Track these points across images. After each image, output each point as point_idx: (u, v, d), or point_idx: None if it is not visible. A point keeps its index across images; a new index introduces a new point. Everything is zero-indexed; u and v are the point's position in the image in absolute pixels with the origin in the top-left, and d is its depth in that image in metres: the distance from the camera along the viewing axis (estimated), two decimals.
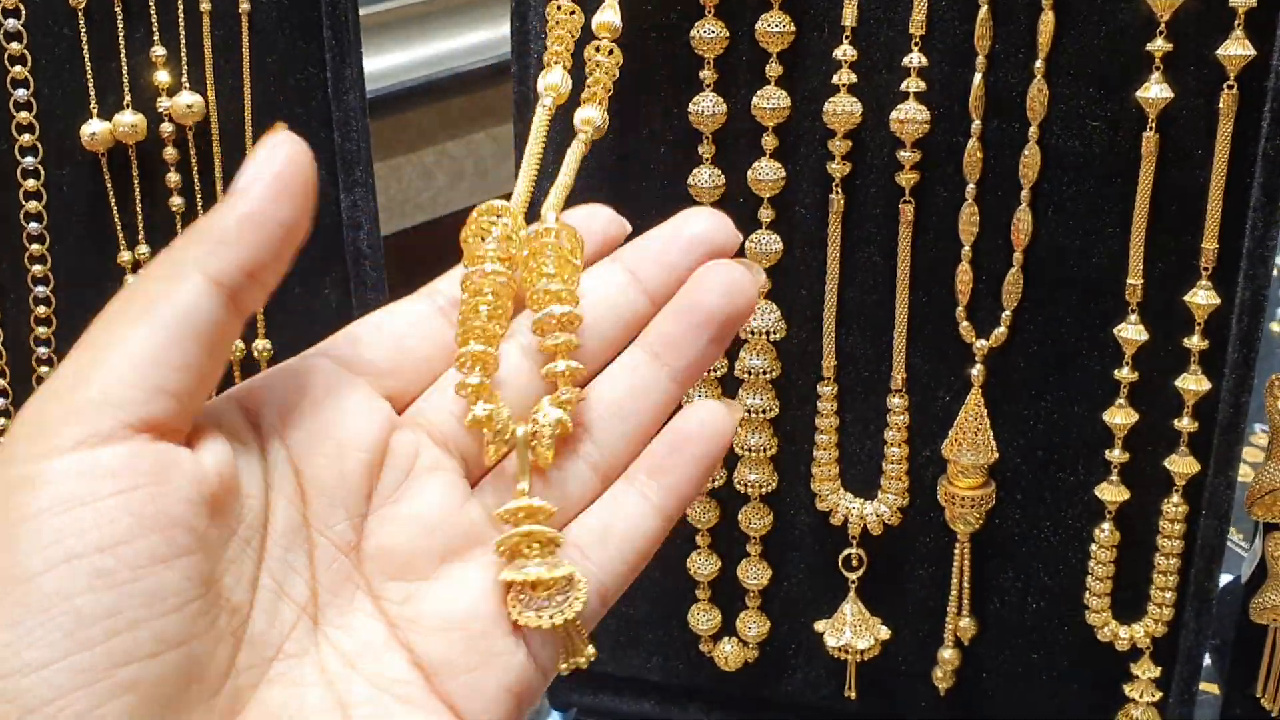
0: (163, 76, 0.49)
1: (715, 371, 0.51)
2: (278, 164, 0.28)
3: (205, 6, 0.49)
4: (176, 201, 0.51)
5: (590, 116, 0.38)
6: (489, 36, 1.20)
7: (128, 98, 0.49)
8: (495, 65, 1.16)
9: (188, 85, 0.49)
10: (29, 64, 0.48)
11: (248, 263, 0.27)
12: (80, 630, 0.25)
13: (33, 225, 0.51)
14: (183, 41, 0.49)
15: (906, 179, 0.48)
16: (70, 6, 0.48)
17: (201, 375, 0.27)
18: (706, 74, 0.48)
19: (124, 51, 0.49)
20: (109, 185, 0.50)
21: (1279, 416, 0.49)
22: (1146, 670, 0.52)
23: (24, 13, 0.48)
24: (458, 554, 0.31)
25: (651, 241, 0.33)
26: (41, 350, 0.52)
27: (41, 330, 0.52)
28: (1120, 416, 0.48)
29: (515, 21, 0.49)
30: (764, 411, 0.51)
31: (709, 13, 0.47)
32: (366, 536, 0.31)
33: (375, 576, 0.31)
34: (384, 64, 1.18)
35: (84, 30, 0.48)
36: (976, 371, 0.49)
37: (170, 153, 0.50)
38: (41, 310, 0.52)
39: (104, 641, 0.25)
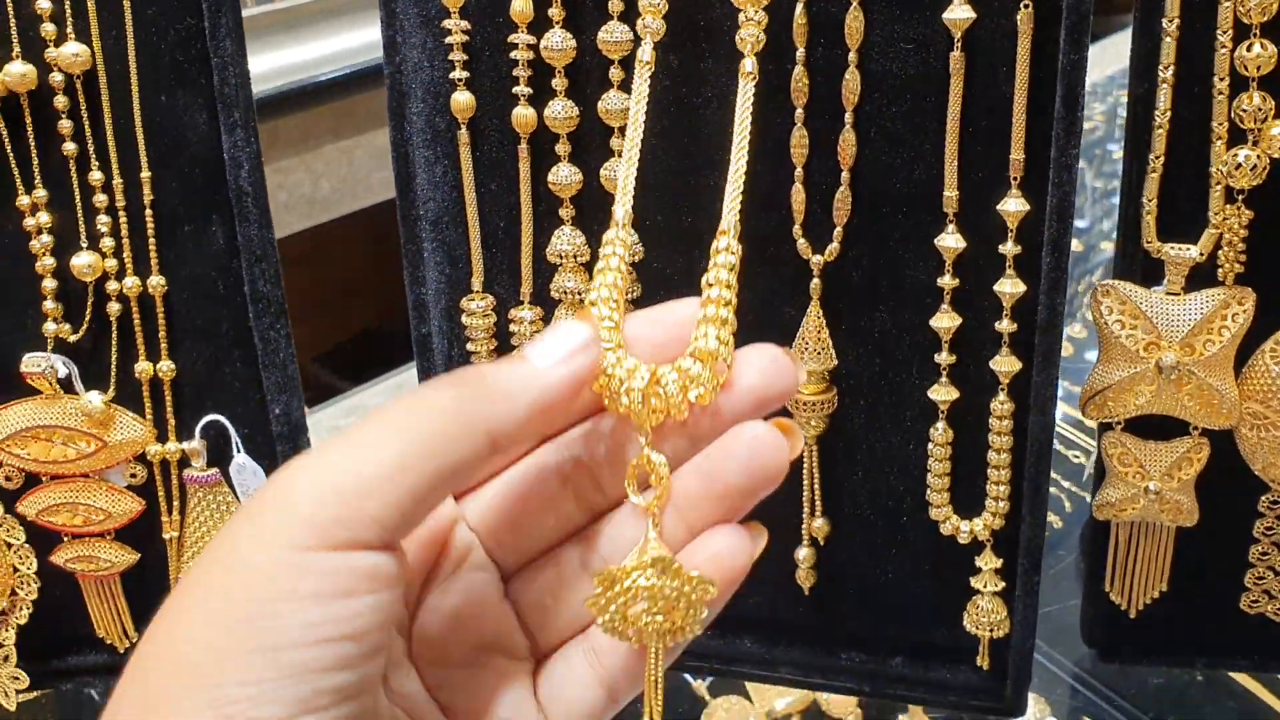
0: (49, 28, 0.53)
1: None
2: (577, 366, 0.32)
3: None
4: (69, 147, 0.54)
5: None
6: None
7: (17, 49, 0.53)
8: None
9: (73, 35, 0.53)
10: None
11: (525, 439, 0.32)
12: (315, 700, 0.28)
13: None
14: None
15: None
16: None
17: (432, 511, 0.31)
18: (555, 11, 0.52)
19: (10, 5, 0.52)
20: (3, 133, 0.54)
21: (1104, 322, 0.53)
22: (989, 561, 0.55)
23: None
24: (486, 650, 0.35)
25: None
26: None
27: None
28: (945, 321, 0.52)
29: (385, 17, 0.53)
30: None
31: None
32: (417, 624, 0.34)
33: (419, 659, 0.34)
34: (335, 47, 1.22)
35: None
36: (814, 284, 0.53)
37: (61, 100, 0.53)
38: None
39: (329, 710, 0.28)
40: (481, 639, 0.35)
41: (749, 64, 0.38)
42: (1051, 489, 0.82)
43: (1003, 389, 0.52)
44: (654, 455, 0.34)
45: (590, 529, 0.36)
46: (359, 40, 1.23)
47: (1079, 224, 1.13)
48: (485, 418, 0.30)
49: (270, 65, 1.17)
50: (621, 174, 0.39)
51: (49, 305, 0.56)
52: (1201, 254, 0.51)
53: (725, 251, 0.35)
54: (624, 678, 0.35)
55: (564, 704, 0.35)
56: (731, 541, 0.33)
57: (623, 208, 0.37)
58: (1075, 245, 1.09)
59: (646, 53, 0.39)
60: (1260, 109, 0.49)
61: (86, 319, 0.56)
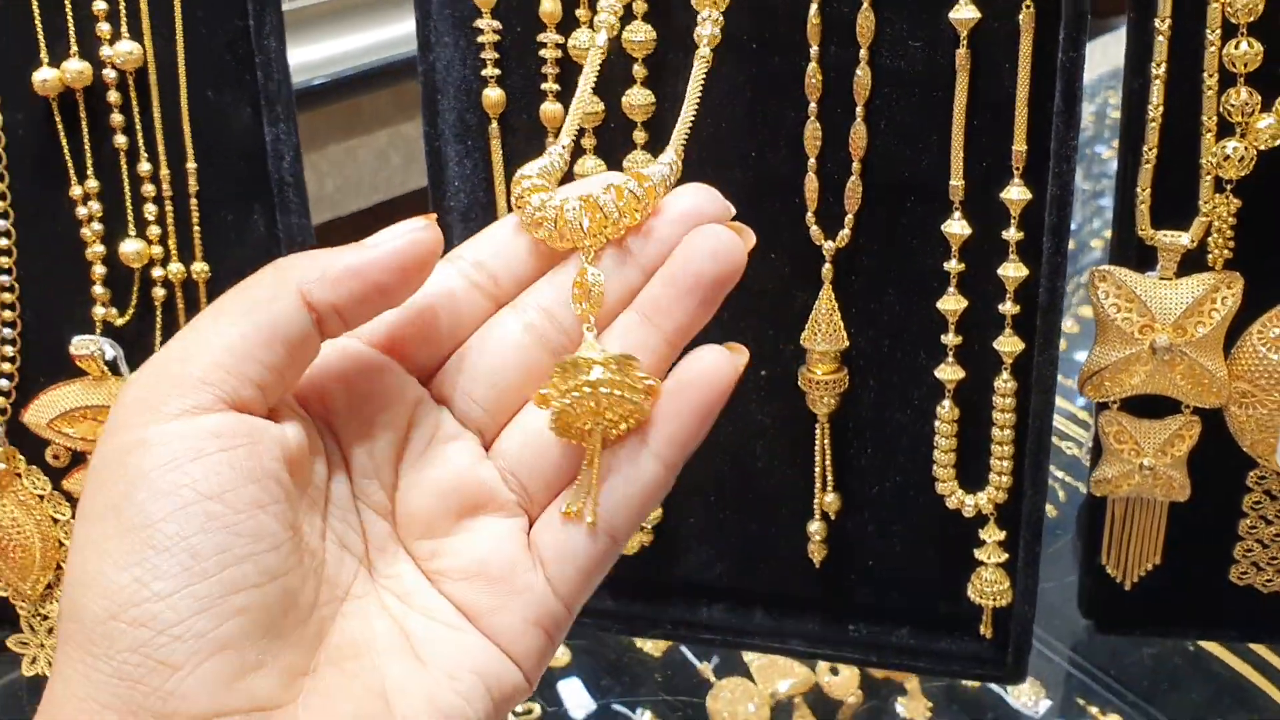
0: (105, 27, 0.56)
1: None
2: (402, 242, 0.33)
3: None
4: (120, 140, 0.57)
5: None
6: None
7: (74, 48, 0.56)
8: None
9: (127, 35, 0.56)
10: None
11: (338, 302, 0.33)
12: (197, 564, 0.30)
13: None
14: None
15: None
16: None
17: (282, 375, 0.33)
18: (581, 11, 0.55)
19: (69, 6, 0.55)
20: (60, 127, 0.57)
21: (1100, 306, 0.56)
22: (992, 534, 0.58)
23: None
24: (471, 512, 0.35)
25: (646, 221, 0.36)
26: (3, 278, 0.59)
27: (3, 259, 0.58)
28: (952, 303, 0.55)
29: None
30: None
31: None
32: (398, 503, 0.36)
33: (408, 537, 0.36)
34: (338, 49, 1.25)
35: None
36: (826, 269, 0.56)
37: (114, 96, 0.56)
38: (3, 242, 0.58)
39: (217, 573, 0.30)
40: (464, 504, 0.35)
41: (705, 50, 0.41)
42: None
43: (1006, 368, 0.55)
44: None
45: None
46: (364, 42, 1.26)
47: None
48: (298, 278, 0.33)
49: None
50: None
51: (97, 290, 0.58)
52: (1192, 241, 0.54)
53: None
54: (623, 520, 0.35)
55: (559, 551, 0.35)
56: (715, 356, 0.34)
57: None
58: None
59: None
60: (1247, 103, 0.52)
61: (133, 304, 0.59)
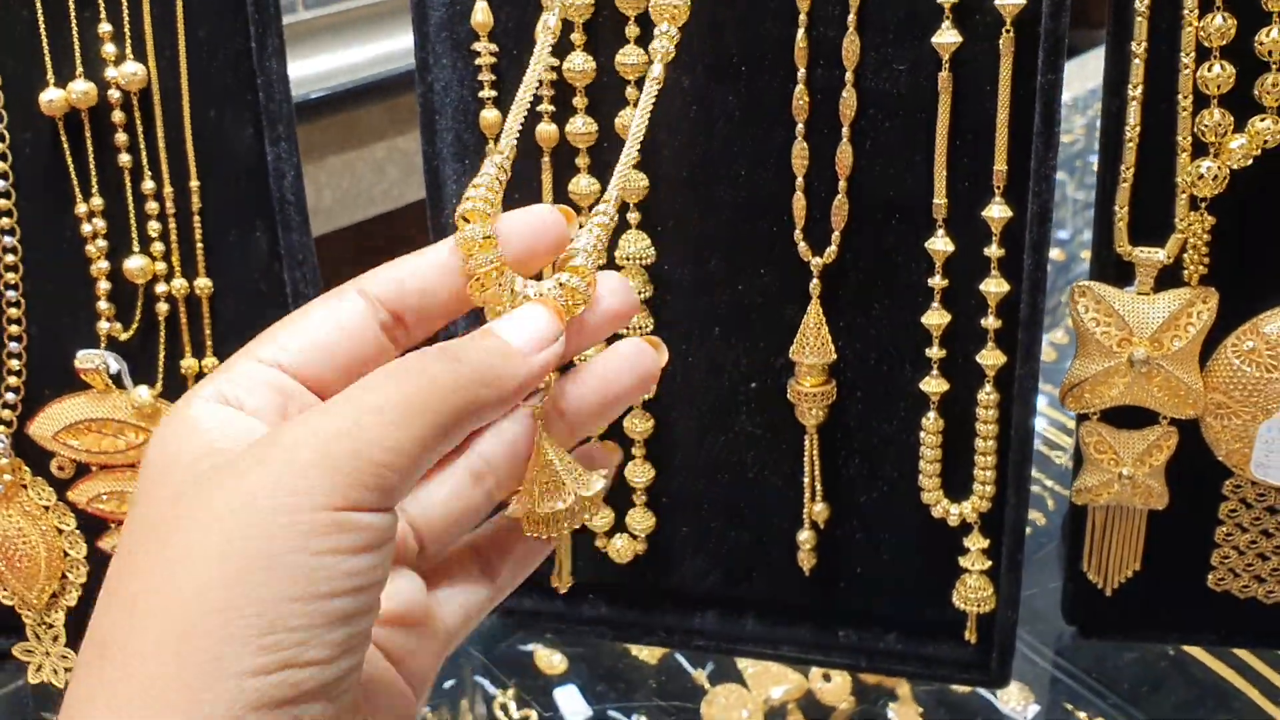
0: (110, 49, 0.57)
1: None
2: (549, 355, 0.34)
3: None
4: (125, 159, 0.58)
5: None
6: None
7: (80, 69, 0.57)
8: None
9: (131, 56, 0.57)
10: None
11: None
12: (349, 642, 0.30)
13: (0, 183, 0.58)
14: (126, 18, 0.57)
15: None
16: None
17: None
18: (577, 36, 0.56)
19: (75, 27, 0.57)
20: (65, 146, 0.58)
21: (1080, 320, 0.58)
22: (976, 542, 0.60)
23: None
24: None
25: None
26: (10, 293, 0.60)
27: (10, 275, 0.60)
28: (935, 318, 0.57)
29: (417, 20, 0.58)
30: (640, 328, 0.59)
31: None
32: None
33: None
34: (335, 63, 1.26)
35: (40, 11, 0.56)
36: (814, 285, 0.58)
37: (118, 116, 0.58)
38: (10, 258, 0.60)
39: (358, 650, 0.31)
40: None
41: (656, 69, 0.42)
42: (1035, 488, 0.87)
43: (988, 381, 0.57)
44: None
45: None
46: (362, 56, 1.28)
47: (1061, 234, 1.18)
48: (472, 400, 0.32)
49: None
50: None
51: (102, 305, 0.60)
52: (1168, 257, 0.56)
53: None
54: (509, 572, 0.39)
55: (454, 603, 0.38)
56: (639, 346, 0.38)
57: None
58: (1058, 255, 1.15)
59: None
60: (1220, 124, 0.54)
61: (137, 318, 0.60)
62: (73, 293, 0.60)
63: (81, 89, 0.57)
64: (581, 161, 0.58)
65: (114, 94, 0.57)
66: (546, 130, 0.58)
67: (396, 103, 1.30)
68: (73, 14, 0.57)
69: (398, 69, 1.26)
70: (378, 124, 1.32)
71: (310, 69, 1.22)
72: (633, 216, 0.58)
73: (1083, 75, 1.40)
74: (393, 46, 1.26)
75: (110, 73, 0.57)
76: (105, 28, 0.57)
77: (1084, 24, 0.53)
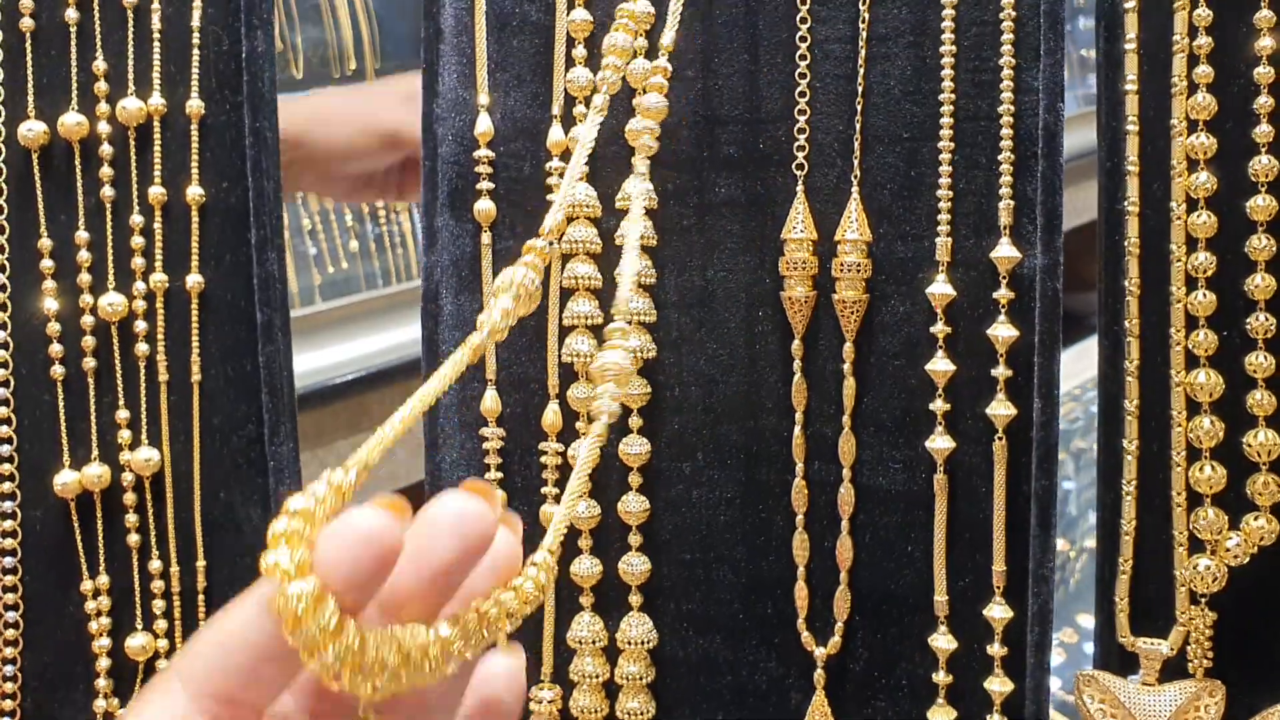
0: (125, 434, 0.59)
1: None
2: None
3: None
4: (134, 539, 0.59)
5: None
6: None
7: (95, 452, 0.59)
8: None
9: (146, 441, 0.59)
10: None
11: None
12: None
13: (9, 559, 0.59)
14: (143, 406, 0.59)
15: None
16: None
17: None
18: (581, 425, 0.58)
19: (94, 413, 0.59)
20: (75, 525, 0.59)
21: (1086, 710, 0.57)
22: None
23: None
24: None
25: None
26: (8, 668, 0.60)
27: (8, 650, 0.60)
28: (942, 715, 0.56)
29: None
30: None
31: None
32: None
33: None
34: (348, 353, 1.30)
35: (60, 396, 0.58)
36: (819, 675, 0.57)
37: (130, 498, 0.59)
38: (10, 633, 0.60)
39: None
40: None
41: (599, 100, 0.43)
42: None
43: (995, 710, 0.56)
44: None
45: None
46: (373, 346, 1.31)
47: None
48: None
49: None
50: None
51: (100, 683, 0.59)
52: (1172, 649, 0.56)
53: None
54: None
55: None
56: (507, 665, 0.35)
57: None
58: (1068, 635, 1.12)
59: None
60: (1215, 523, 0.54)
61: (135, 697, 0.60)
62: (71, 669, 0.60)
63: (95, 473, 0.58)
64: (584, 543, 0.59)
65: (128, 476, 0.59)
66: (549, 511, 0.59)
67: (406, 386, 1.33)
68: (92, 401, 0.59)
69: (407, 357, 1.29)
70: (388, 409, 1.34)
71: (326, 359, 1.26)
72: (634, 599, 0.59)
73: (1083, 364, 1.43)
74: (402, 337, 1.30)
75: (125, 456, 0.59)
76: (123, 414, 0.59)
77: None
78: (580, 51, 0.58)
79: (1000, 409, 0.54)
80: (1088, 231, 0.56)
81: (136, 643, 0.59)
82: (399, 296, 1.37)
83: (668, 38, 0.52)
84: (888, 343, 0.55)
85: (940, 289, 0.54)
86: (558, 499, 0.59)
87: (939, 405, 0.54)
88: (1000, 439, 0.54)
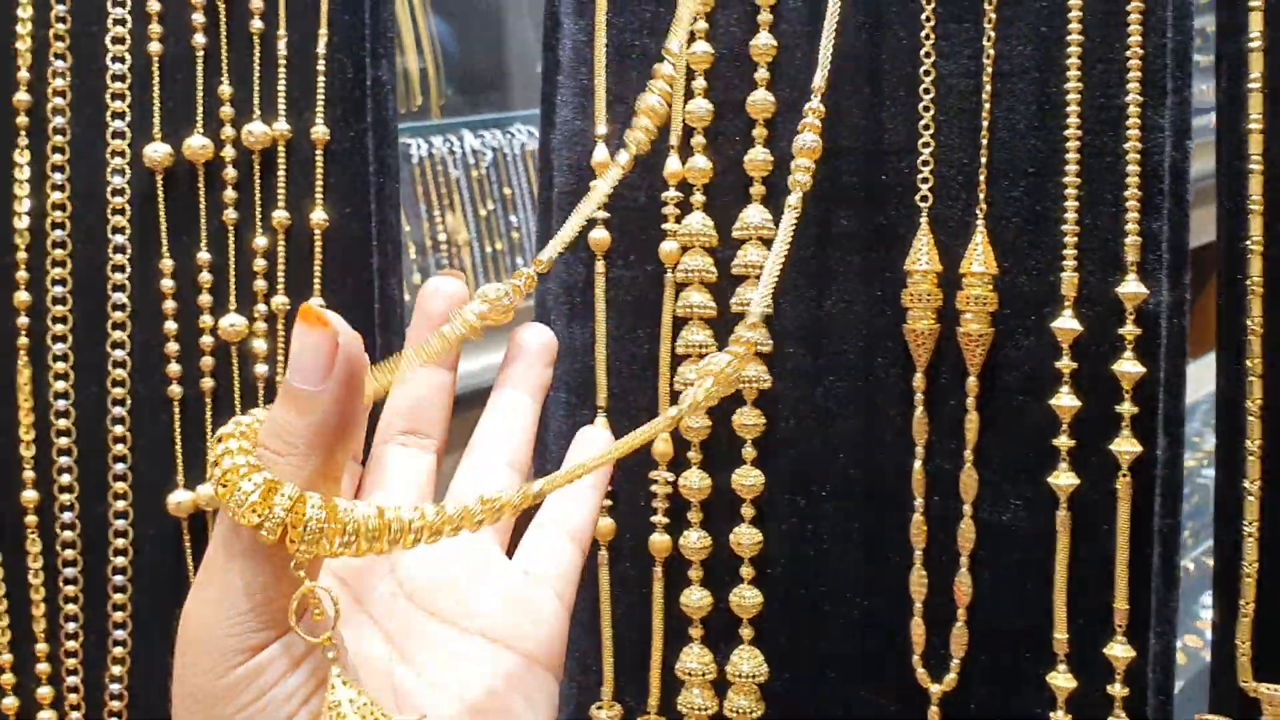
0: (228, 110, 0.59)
1: None
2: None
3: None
4: (231, 215, 0.59)
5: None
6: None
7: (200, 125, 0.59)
8: None
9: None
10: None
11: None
12: None
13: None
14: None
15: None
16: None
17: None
18: (693, 455, 0.58)
19: (200, 89, 0.59)
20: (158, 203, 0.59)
21: None
22: None
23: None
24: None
25: None
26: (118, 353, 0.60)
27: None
28: None
29: None
30: None
31: None
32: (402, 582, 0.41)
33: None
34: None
35: (177, 419, 0.59)
36: (933, 713, 0.56)
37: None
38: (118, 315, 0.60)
39: None
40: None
41: (623, 157, 0.45)
42: None
43: None
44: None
45: None
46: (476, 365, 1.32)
47: None
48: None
49: None
50: None
51: None
52: None
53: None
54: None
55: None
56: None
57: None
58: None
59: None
60: None
61: None
62: None
63: (209, 492, 0.59)
64: (695, 574, 0.58)
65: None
66: (660, 540, 0.59)
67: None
68: (209, 421, 0.59)
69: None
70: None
71: None
72: (745, 632, 0.58)
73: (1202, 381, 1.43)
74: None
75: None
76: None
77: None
78: (700, 83, 0.58)
79: (1125, 446, 0.53)
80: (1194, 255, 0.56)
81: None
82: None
83: (818, 79, 0.52)
84: (1012, 378, 0.55)
85: (1066, 324, 0.54)
86: (668, 528, 0.59)
87: (1063, 441, 0.54)
88: (1125, 476, 0.53)
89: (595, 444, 0.47)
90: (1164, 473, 0.53)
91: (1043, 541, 0.55)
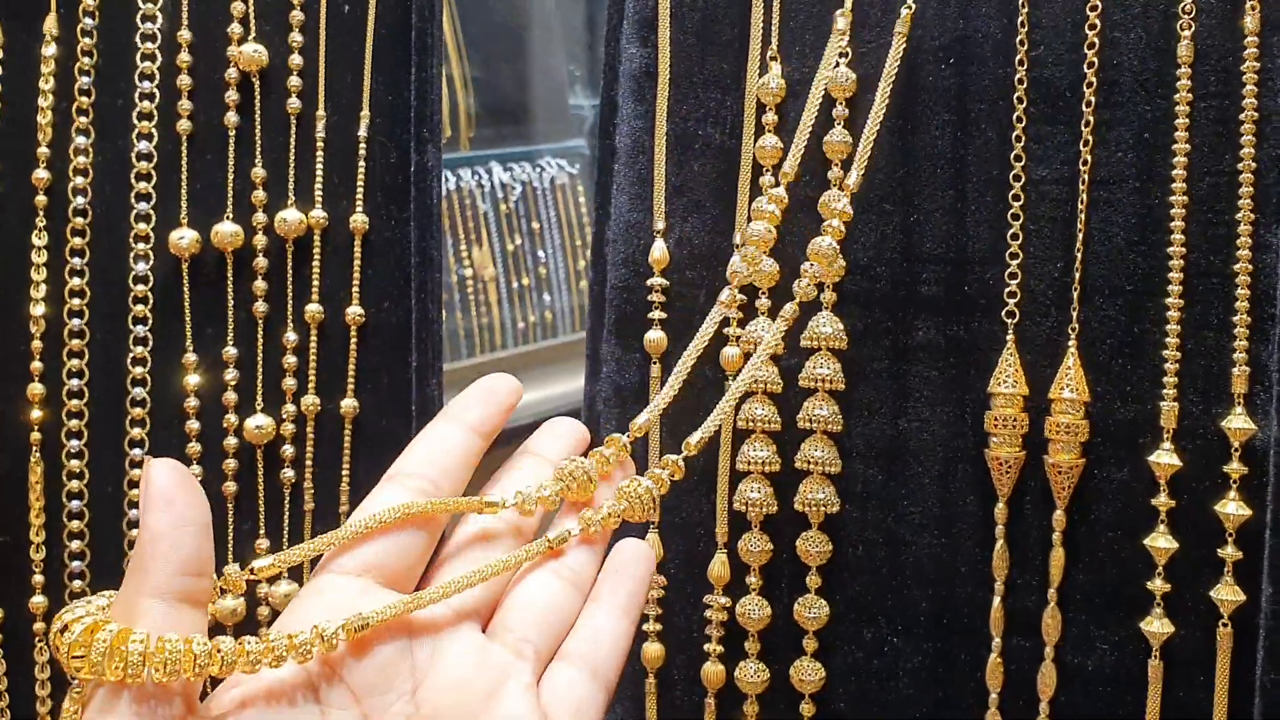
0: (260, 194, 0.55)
1: None
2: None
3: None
4: (260, 307, 0.55)
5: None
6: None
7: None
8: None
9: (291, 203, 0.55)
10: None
11: None
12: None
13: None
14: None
15: None
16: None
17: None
18: (752, 579, 0.54)
19: (232, 171, 0.55)
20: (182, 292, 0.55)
21: None
22: None
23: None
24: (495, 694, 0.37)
25: None
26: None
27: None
28: None
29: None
30: None
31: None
32: (420, 705, 0.37)
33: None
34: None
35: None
36: None
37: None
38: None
39: None
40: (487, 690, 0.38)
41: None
42: None
43: None
44: None
45: None
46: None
47: None
48: None
49: None
50: None
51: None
52: None
53: None
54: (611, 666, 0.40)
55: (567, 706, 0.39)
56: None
57: None
58: None
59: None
60: None
61: None
62: None
63: (230, 605, 0.54)
64: (749, 709, 0.54)
65: (264, 611, 0.55)
66: (713, 670, 0.55)
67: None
68: (230, 527, 0.55)
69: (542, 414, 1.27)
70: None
71: None
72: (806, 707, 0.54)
73: None
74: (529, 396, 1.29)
75: (263, 590, 0.55)
76: (262, 543, 0.55)
77: None
78: (768, 179, 0.54)
79: (1227, 594, 0.49)
80: None
81: None
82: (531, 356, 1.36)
83: (853, 178, 0.48)
84: (1102, 512, 0.50)
85: (1164, 458, 0.49)
86: (722, 657, 0.55)
87: (1157, 585, 0.50)
88: (1225, 625, 0.49)
89: (634, 560, 0.41)
90: (1268, 624, 0.49)
91: (1132, 690, 0.51)
